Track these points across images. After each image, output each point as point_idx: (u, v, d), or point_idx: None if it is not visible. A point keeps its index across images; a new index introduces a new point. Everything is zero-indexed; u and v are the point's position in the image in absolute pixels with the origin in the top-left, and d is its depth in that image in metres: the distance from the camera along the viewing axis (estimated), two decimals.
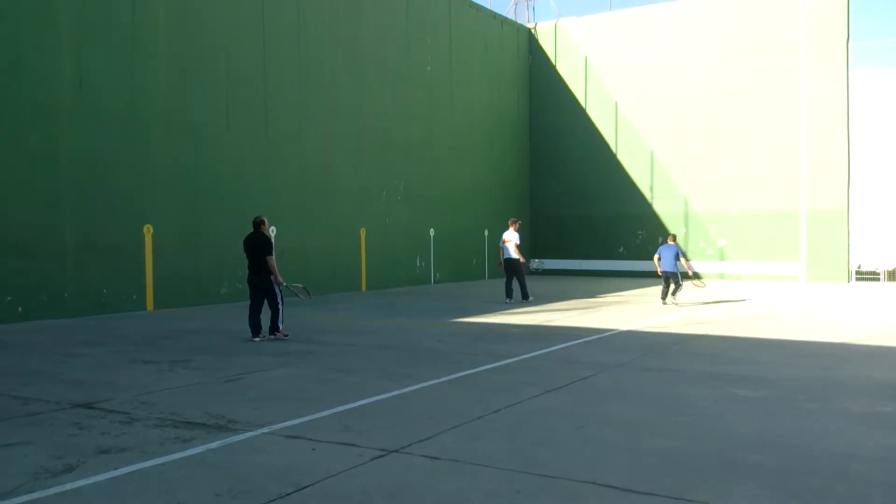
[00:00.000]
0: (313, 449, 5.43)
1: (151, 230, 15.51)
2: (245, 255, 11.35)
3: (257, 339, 11.02)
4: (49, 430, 6.01)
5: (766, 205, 24.47)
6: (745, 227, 24.72)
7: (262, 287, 11.20)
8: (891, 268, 23.64)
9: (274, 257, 11.28)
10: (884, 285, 22.45)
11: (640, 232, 26.71)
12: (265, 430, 5.95)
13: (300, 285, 12.26)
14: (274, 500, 4.40)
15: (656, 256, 16.62)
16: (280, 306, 11.22)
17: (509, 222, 17.15)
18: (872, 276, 23.63)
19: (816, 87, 23.75)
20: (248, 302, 11.41)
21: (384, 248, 21.68)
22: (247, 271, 11.45)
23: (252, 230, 11.41)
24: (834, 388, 7.48)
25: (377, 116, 21.58)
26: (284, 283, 11.43)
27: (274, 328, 11.18)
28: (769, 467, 4.95)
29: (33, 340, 11.21)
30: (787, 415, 6.41)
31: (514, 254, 16.68)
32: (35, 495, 4.49)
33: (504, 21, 27.67)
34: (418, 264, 23.22)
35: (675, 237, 17.30)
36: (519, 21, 28.95)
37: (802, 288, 21.41)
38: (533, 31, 29.02)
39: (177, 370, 8.66)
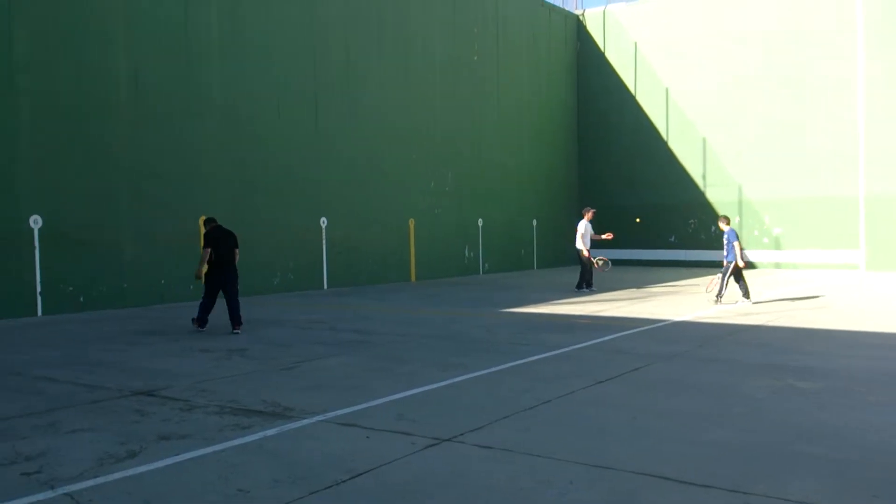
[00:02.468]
0: (367, 437, 5.50)
1: None
2: (219, 250, 11.01)
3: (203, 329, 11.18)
4: (112, 416, 6.19)
5: (824, 191, 23.85)
6: (802, 214, 24.15)
7: (232, 279, 11.13)
8: None
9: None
10: None
11: (692, 221, 26.29)
12: (320, 417, 6.04)
13: None
14: (330, 486, 4.47)
15: (738, 245, 13.91)
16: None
17: (582, 211, 17.50)
18: None
19: (874, 68, 23.02)
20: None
21: (433, 238, 21.76)
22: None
23: (213, 226, 11.25)
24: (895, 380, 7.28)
25: (425, 107, 21.62)
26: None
27: (239, 319, 11.06)
28: (829, 460, 4.85)
29: (95, 330, 11.56)
30: (846, 406, 6.27)
31: (576, 243, 16.81)
32: (100, 480, 4.64)
33: (552, 8, 27.42)
34: (467, 254, 23.24)
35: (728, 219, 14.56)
36: (567, 8, 28.66)
37: (862, 277, 20.83)
38: (581, 17, 28.71)
39: (234, 358, 8.84)
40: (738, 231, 13.99)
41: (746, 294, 14.09)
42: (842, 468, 4.69)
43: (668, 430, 5.60)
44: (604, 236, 17.77)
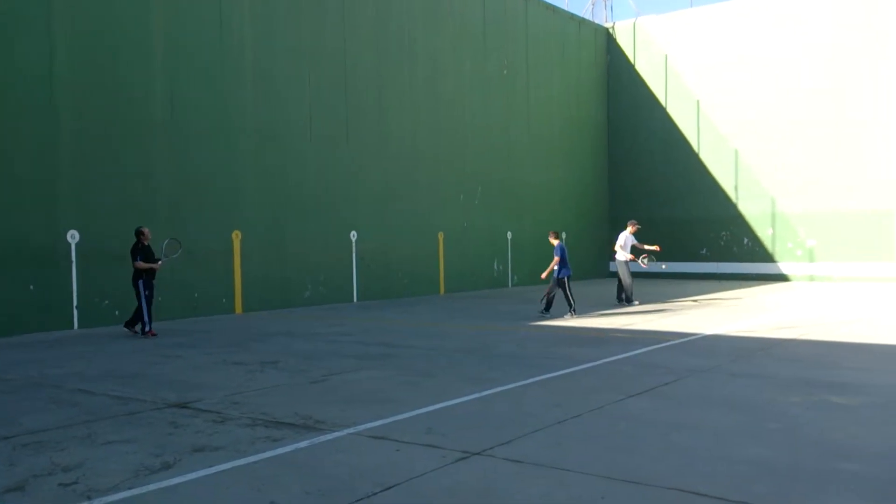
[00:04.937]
0: (398, 450, 5.51)
1: (240, 236, 16.00)
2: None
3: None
4: (147, 428, 6.28)
5: (859, 204, 23.50)
6: (836, 227, 23.80)
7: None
8: None
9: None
10: None
11: (724, 233, 26.03)
12: (351, 430, 6.07)
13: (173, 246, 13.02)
14: (361, 499, 4.49)
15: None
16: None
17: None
18: None
19: None
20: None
21: (462, 252, 21.79)
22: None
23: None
24: None
25: (455, 122, 21.72)
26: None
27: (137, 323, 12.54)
28: (868, 477, 4.76)
29: (130, 343, 11.73)
30: (885, 423, 6.15)
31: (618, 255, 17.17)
32: (135, 491, 4.70)
33: (581, 22, 27.43)
34: (496, 267, 23.22)
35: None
36: (596, 21, 28.64)
37: None
38: (611, 30, 28.67)
39: (266, 371, 8.92)
40: (565, 246, 15.04)
41: (550, 306, 14.79)
42: (883, 486, 4.61)
43: (701, 446, 5.54)
44: (650, 248, 17.67)
